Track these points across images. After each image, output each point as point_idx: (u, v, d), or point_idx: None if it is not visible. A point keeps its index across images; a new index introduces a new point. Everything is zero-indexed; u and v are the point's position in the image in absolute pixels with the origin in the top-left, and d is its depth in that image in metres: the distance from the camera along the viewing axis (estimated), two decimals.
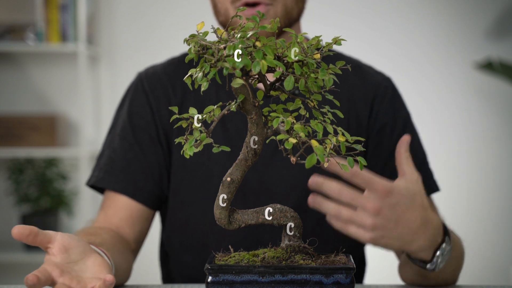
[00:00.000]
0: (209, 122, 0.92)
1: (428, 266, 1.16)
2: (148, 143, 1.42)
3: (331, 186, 1.08)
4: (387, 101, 1.44)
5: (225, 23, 1.40)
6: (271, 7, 1.35)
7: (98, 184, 1.41)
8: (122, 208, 1.39)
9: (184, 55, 1.50)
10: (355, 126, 1.41)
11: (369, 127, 1.42)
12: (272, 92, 0.94)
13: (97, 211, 1.50)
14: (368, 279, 1.64)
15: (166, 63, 1.50)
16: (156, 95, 1.44)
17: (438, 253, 1.15)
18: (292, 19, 1.39)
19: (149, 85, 1.46)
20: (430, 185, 1.43)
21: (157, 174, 1.42)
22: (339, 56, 1.46)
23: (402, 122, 1.45)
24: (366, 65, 1.50)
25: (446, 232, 1.16)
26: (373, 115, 1.43)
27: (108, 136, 1.47)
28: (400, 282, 1.35)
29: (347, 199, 1.08)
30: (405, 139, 1.15)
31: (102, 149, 1.46)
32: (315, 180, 1.09)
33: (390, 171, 1.41)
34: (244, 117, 1.30)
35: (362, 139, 0.94)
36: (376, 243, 1.10)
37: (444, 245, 1.15)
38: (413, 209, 1.10)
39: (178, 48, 1.54)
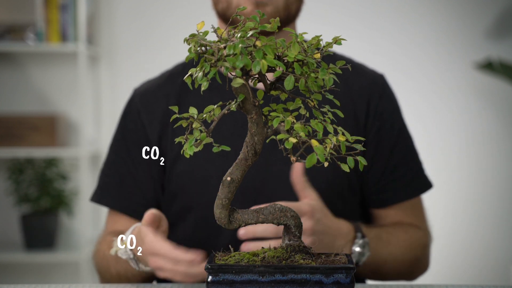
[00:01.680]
0: (209, 121, 0.92)
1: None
2: (140, 159, 1.44)
3: (256, 230, 1.19)
4: (385, 98, 1.45)
5: (225, 12, 1.39)
6: None
7: (96, 201, 1.47)
8: (124, 222, 1.43)
9: (177, 66, 1.52)
10: (352, 123, 1.42)
11: (368, 124, 1.43)
12: (272, 92, 0.94)
13: (97, 212, 1.53)
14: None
15: (158, 77, 1.52)
16: (149, 110, 1.46)
17: (357, 249, 1.28)
18: (290, 15, 1.40)
19: (141, 100, 1.47)
20: (421, 185, 1.46)
21: (151, 189, 1.43)
22: (332, 55, 1.47)
23: (400, 117, 1.47)
24: (358, 63, 1.51)
25: (359, 230, 1.30)
26: (371, 113, 1.43)
27: (108, 152, 1.50)
28: (400, 282, 1.35)
29: (272, 234, 1.19)
30: (298, 167, 1.26)
31: (103, 165, 1.49)
32: (242, 233, 1.20)
33: (391, 169, 1.41)
34: (239, 115, 1.30)
35: (362, 139, 0.94)
36: None
37: (358, 241, 1.28)
38: (328, 218, 1.25)
39: (178, 48, 1.55)
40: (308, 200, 1.24)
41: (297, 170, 1.25)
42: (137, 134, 1.45)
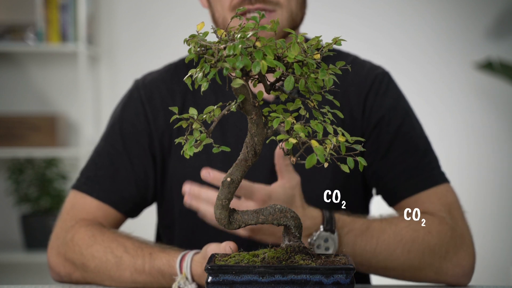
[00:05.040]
0: (209, 122, 0.92)
1: None
2: (137, 152, 1.41)
3: (208, 194, 1.17)
4: (381, 95, 1.43)
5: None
6: (275, 14, 1.34)
7: (86, 191, 1.39)
8: (103, 213, 1.39)
9: (182, 60, 1.49)
10: (349, 122, 1.41)
11: (364, 123, 1.42)
12: (272, 93, 0.94)
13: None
14: (374, 278, 1.64)
15: (163, 70, 1.48)
16: (153, 104, 1.43)
17: (309, 240, 1.24)
18: (295, 25, 1.39)
19: (145, 93, 1.44)
20: (425, 180, 1.40)
21: (142, 185, 1.41)
22: (337, 53, 1.46)
23: (400, 114, 1.43)
24: (363, 60, 1.49)
25: (328, 224, 1.24)
26: (367, 111, 1.42)
27: (99, 142, 1.45)
28: (402, 283, 1.35)
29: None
30: (278, 153, 1.22)
31: (92, 155, 1.44)
32: (189, 190, 1.19)
33: (389, 165, 1.40)
34: (240, 117, 1.30)
35: (362, 139, 0.94)
36: (251, 238, 1.21)
37: (314, 234, 1.23)
38: (295, 206, 1.21)
39: (178, 48, 1.54)
40: (277, 185, 1.20)
41: (279, 152, 1.21)
42: (138, 127, 1.42)
